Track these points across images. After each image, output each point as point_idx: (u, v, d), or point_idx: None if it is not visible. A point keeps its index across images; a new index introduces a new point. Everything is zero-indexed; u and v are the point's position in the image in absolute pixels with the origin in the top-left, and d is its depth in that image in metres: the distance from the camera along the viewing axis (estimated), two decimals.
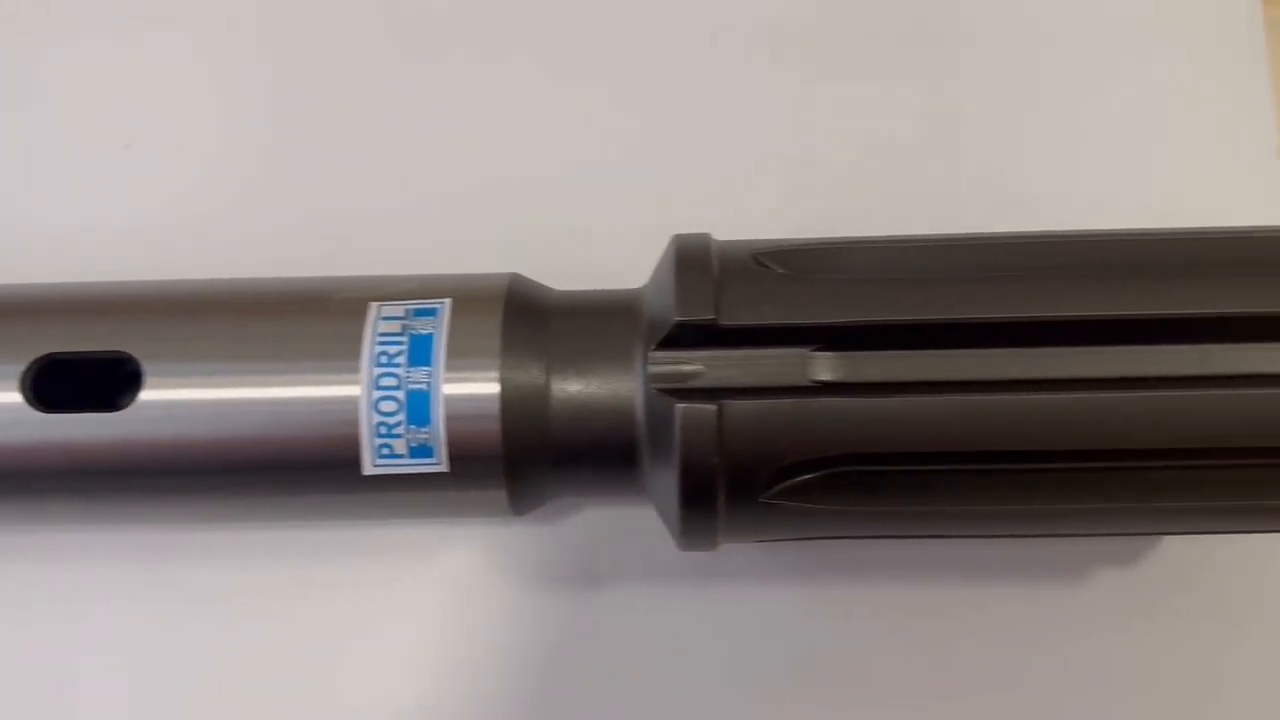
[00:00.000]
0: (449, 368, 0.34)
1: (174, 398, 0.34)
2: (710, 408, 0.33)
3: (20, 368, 0.34)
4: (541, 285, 0.37)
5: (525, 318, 0.35)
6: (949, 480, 0.34)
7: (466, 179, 0.46)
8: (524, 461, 0.35)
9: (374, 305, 0.35)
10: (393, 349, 0.34)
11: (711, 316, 0.33)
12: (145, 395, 0.34)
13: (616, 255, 0.40)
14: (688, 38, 0.47)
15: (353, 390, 0.34)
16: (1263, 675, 0.41)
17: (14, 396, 0.34)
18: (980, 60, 0.46)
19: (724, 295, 0.34)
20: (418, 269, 0.38)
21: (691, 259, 0.35)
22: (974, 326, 0.33)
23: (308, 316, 0.35)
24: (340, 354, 0.34)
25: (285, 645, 0.42)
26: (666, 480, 0.34)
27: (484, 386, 0.34)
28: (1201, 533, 0.40)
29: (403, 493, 0.35)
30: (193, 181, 0.46)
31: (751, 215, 0.44)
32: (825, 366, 0.33)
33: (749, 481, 0.34)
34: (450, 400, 0.34)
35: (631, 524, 0.42)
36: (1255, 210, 0.41)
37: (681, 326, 0.33)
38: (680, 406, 0.33)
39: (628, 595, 0.42)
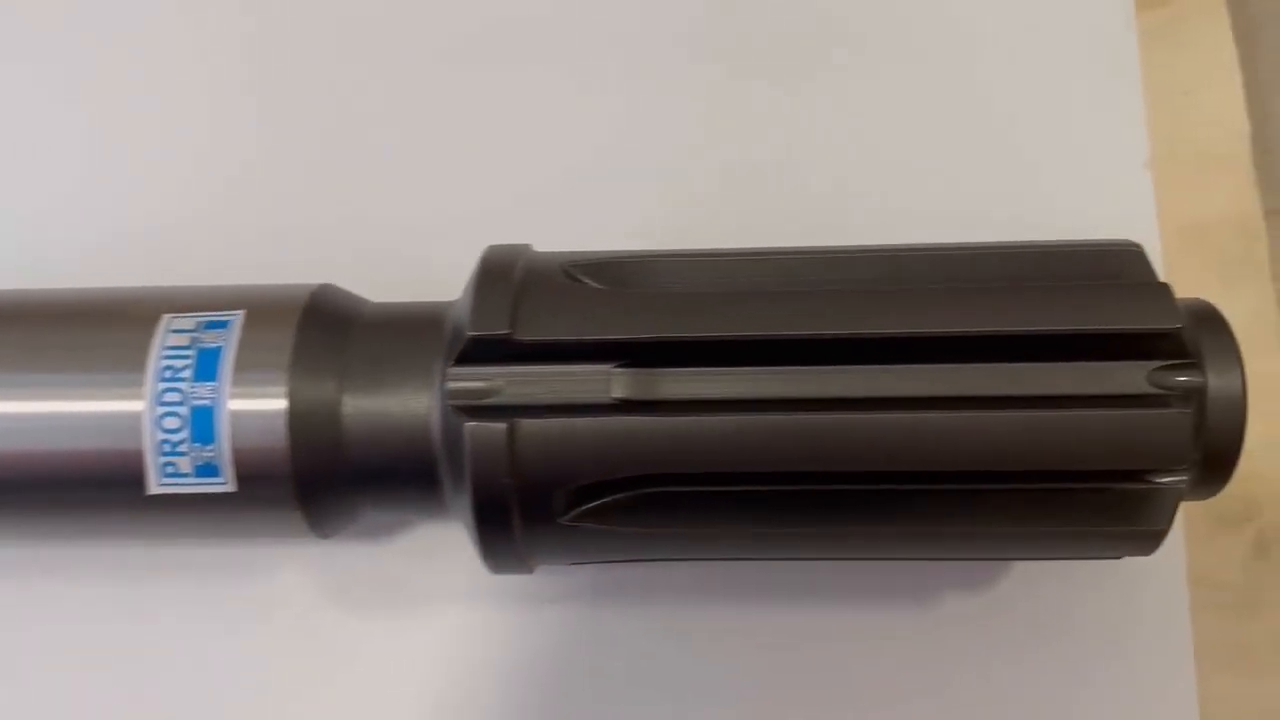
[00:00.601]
0: (236, 382, 0.32)
1: None
2: (500, 426, 0.32)
3: None
4: (354, 297, 0.36)
5: (323, 330, 0.34)
6: (754, 502, 0.33)
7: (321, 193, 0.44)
8: (317, 481, 0.33)
9: (166, 318, 0.34)
10: (179, 363, 0.33)
11: (506, 330, 0.32)
12: None
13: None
14: (554, 48, 0.46)
15: (137, 406, 0.32)
16: (1107, 700, 0.40)
17: None
18: (844, 71, 0.45)
19: (522, 308, 0.32)
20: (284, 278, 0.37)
21: (494, 270, 0.33)
22: (779, 343, 0.32)
23: (98, 328, 0.34)
24: (126, 367, 0.33)
25: (99, 664, 0.40)
26: (463, 502, 0.33)
27: (271, 402, 0.33)
28: (1026, 558, 0.38)
29: (190, 513, 0.33)
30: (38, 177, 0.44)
31: (610, 231, 0.43)
32: (625, 384, 0.32)
33: (545, 503, 0.32)
34: (236, 417, 0.32)
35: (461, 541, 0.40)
36: (1124, 222, 0.40)
37: (476, 341, 0.32)
38: (470, 425, 0.32)
39: (456, 615, 0.40)
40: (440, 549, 0.41)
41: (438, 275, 0.37)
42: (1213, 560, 0.40)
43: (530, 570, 0.35)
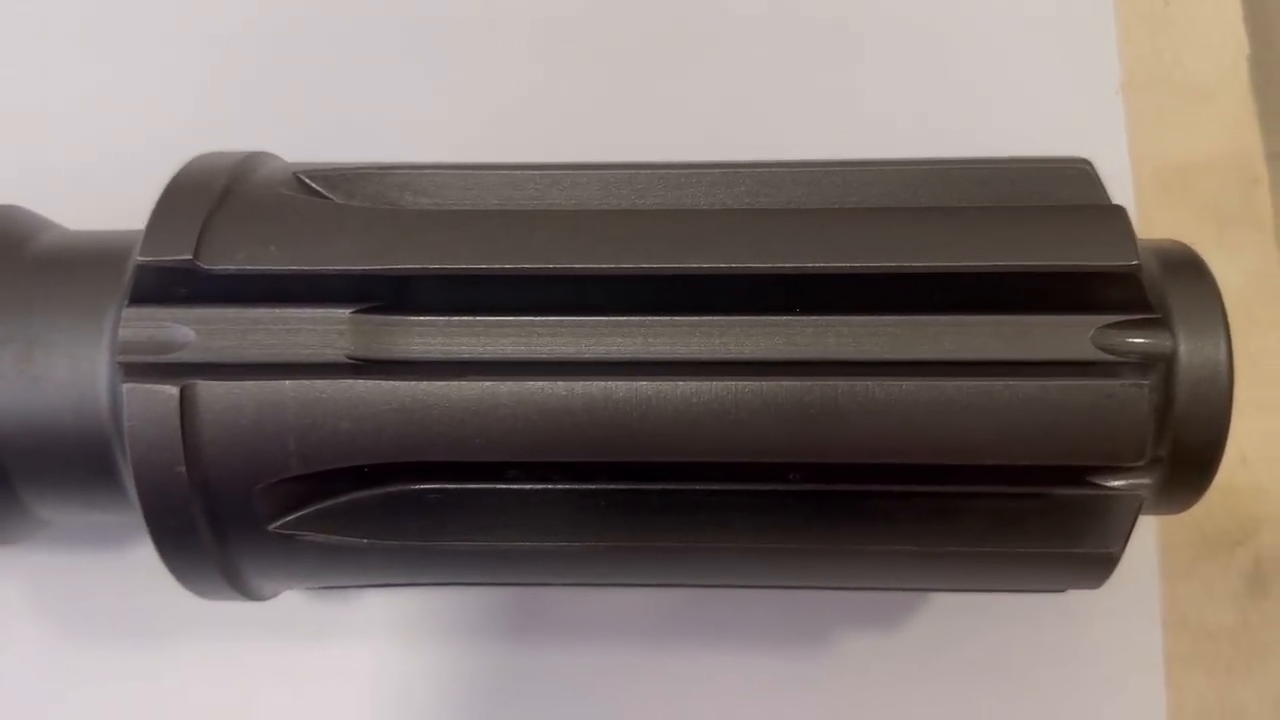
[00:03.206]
0: None
1: None
2: (170, 391, 0.22)
3: None
4: (41, 221, 0.27)
5: None
6: (546, 504, 0.23)
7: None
8: None
9: None
10: None
11: (188, 256, 0.23)
12: None
13: None
14: None
15: None
16: None
17: None
18: None
19: (217, 228, 0.23)
20: None
21: (191, 179, 0.24)
22: (580, 281, 0.23)
23: None
24: None
25: None
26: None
27: None
28: (926, 589, 0.29)
29: None
30: None
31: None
32: (361, 335, 0.23)
33: (243, 502, 0.23)
34: None
35: None
36: (1095, 147, 0.31)
37: (148, 272, 0.23)
38: (129, 388, 0.22)
39: (194, 649, 0.31)
40: None
41: None
42: (1196, 597, 0.31)
43: (258, 597, 0.26)
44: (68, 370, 0.24)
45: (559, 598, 0.32)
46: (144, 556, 0.31)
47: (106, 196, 0.30)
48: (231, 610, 0.31)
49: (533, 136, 0.35)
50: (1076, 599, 0.28)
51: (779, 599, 0.32)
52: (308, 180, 0.25)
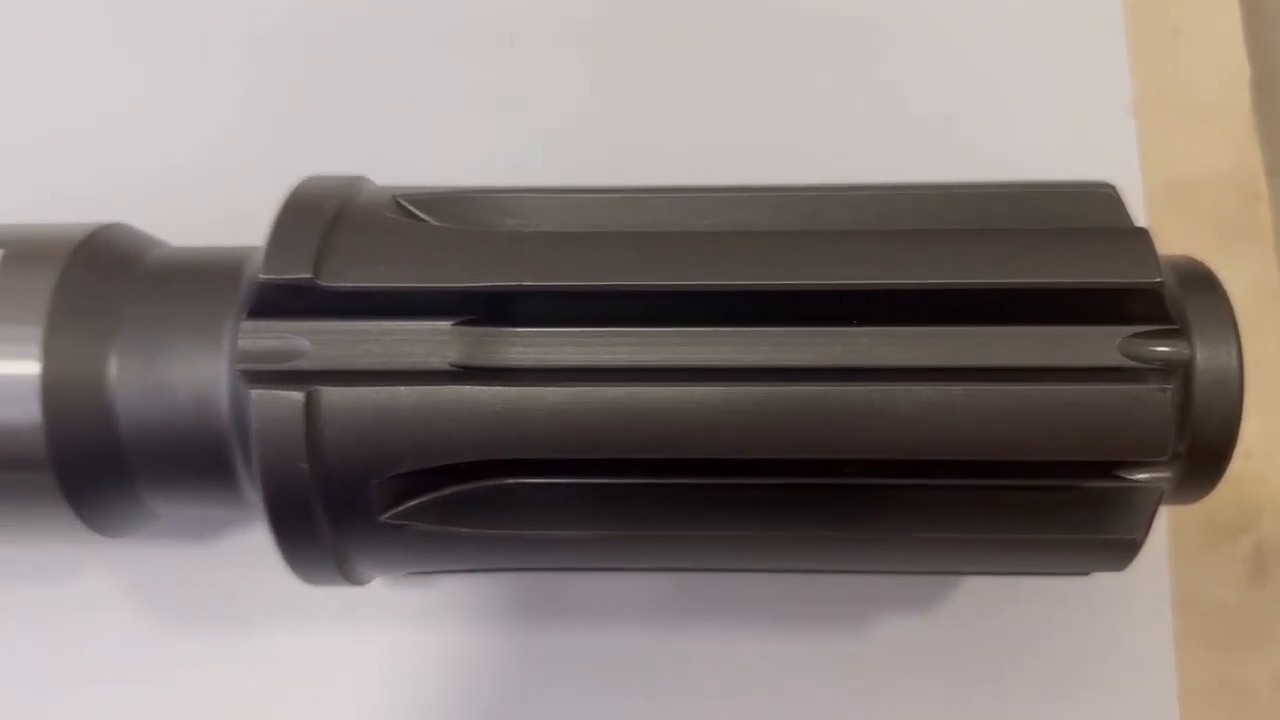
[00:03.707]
0: None
1: None
2: (296, 396, 0.25)
3: None
4: (148, 239, 0.29)
5: (94, 277, 0.27)
6: (630, 497, 0.26)
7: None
8: (82, 465, 0.27)
9: None
10: None
11: (308, 275, 0.25)
12: None
13: None
14: None
15: None
16: None
17: None
18: (818, 11, 0.39)
19: (333, 248, 0.26)
20: None
21: (301, 203, 0.27)
22: (660, 296, 0.25)
23: None
24: None
25: None
26: (258, 492, 0.26)
27: (22, 365, 0.26)
28: (976, 573, 0.31)
29: None
30: None
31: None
32: (464, 345, 0.25)
33: (358, 496, 0.26)
34: None
35: None
36: (1106, 165, 0.34)
37: (271, 288, 0.25)
38: (256, 394, 0.25)
39: (282, 633, 0.33)
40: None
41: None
42: (1202, 580, 0.33)
43: (358, 582, 0.28)
44: (187, 377, 0.27)
45: (591, 583, 0.34)
46: (232, 547, 0.34)
47: (158, 207, 0.33)
48: (312, 596, 0.33)
49: (577, 146, 0.38)
50: (1095, 581, 0.31)
51: (808, 582, 0.34)
52: (406, 204, 0.27)
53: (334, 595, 0.33)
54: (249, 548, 0.34)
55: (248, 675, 0.34)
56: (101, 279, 0.27)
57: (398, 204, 0.27)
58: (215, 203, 0.33)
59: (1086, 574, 0.29)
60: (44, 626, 0.34)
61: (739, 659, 0.34)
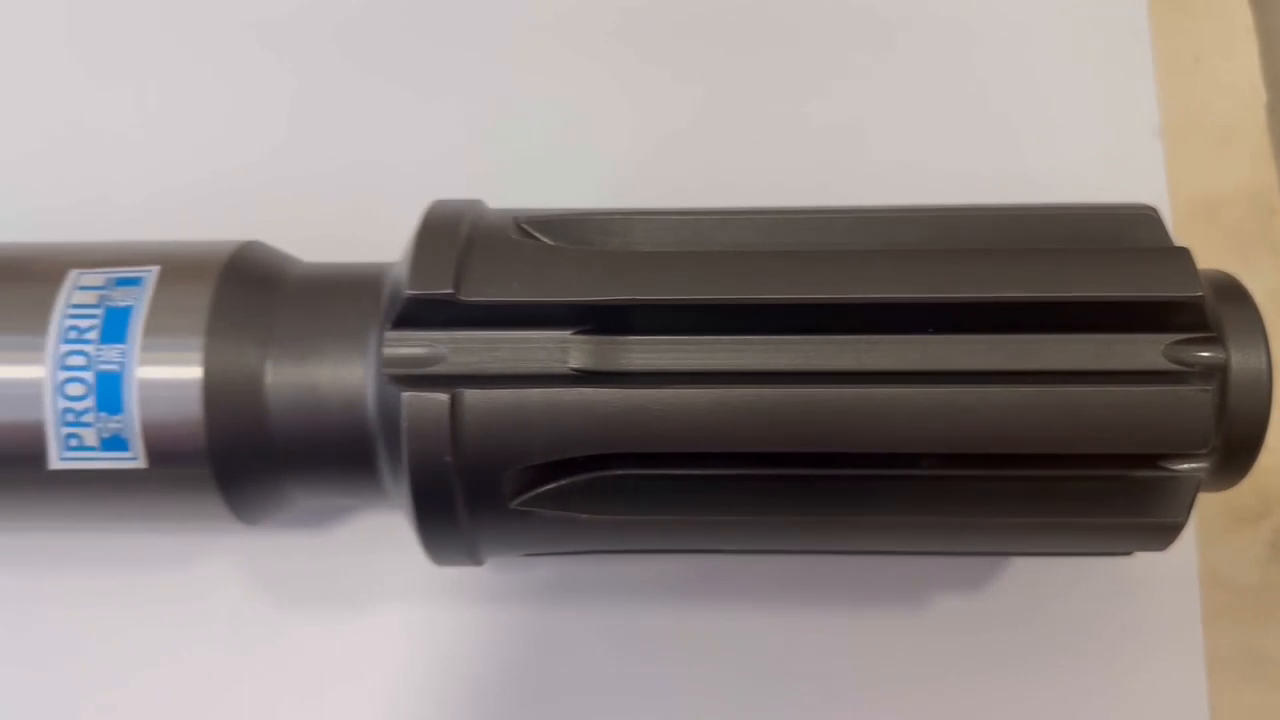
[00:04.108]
0: (147, 346, 0.29)
1: None
2: (442, 398, 0.28)
3: None
4: (285, 256, 0.33)
5: (246, 290, 0.30)
6: (728, 487, 0.29)
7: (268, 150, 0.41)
8: (237, 459, 0.30)
9: (73, 273, 0.30)
10: (84, 323, 0.29)
11: (450, 290, 0.28)
12: None
13: None
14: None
15: (37, 371, 0.29)
16: (1111, 713, 0.37)
17: None
18: (849, 33, 0.42)
19: (469, 266, 0.29)
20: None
21: (438, 224, 0.30)
22: (758, 309, 0.29)
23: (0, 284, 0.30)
24: (27, 328, 0.29)
25: (18, 654, 0.37)
26: (401, 483, 0.29)
27: (185, 370, 0.29)
28: (1030, 554, 0.35)
29: (98, 491, 0.30)
30: None
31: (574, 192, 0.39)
32: (585, 352, 0.29)
33: (493, 485, 0.29)
34: (146, 384, 0.29)
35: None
36: (1132, 191, 0.37)
37: (416, 302, 0.29)
38: (408, 396, 0.28)
39: (399, 613, 0.37)
40: (384, 539, 0.37)
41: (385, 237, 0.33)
42: (1227, 560, 0.37)
43: (479, 563, 0.32)
44: (336, 380, 0.30)
45: (658, 563, 0.38)
46: (345, 535, 0.38)
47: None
48: (413, 577, 0.37)
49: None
50: (1129, 562, 0.34)
51: (862, 563, 0.38)
52: (526, 226, 0.31)
53: (439, 576, 0.36)
54: (353, 534, 0.38)
55: (348, 649, 0.37)
56: (251, 292, 0.30)
57: (519, 226, 0.31)
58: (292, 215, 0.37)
59: (1129, 554, 0.32)
60: (171, 608, 0.37)
61: (798, 634, 0.37)
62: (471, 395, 0.28)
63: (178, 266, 0.30)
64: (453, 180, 0.34)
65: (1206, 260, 0.38)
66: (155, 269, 0.30)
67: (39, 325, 0.29)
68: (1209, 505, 0.37)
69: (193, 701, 0.36)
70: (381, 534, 0.38)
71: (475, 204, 0.32)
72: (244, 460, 0.30)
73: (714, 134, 0.42)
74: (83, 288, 0.30)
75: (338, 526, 0.38)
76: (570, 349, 0.29)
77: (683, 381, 0.29)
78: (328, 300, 0.30)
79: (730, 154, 0.42)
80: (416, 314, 0.29)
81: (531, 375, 0.28)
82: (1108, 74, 0.41)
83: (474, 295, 0.29)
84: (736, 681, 0.37)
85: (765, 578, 0.38)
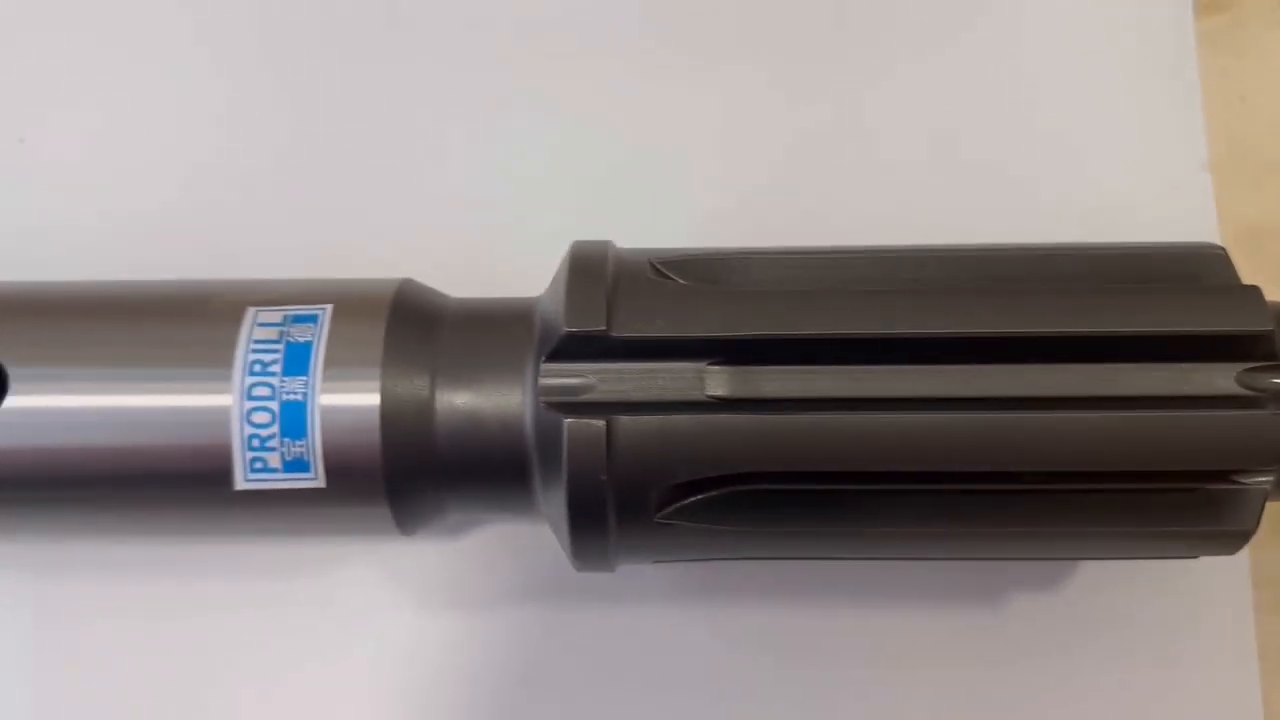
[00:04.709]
0: (327, 377, 0.32)
1: (41, 405, 0.33)
2: (599, 423, 0.31)
3: None
4: (436, 292, 0.36)
5: (412, 325, 0.34)
6: (848, 501, 0.33)
7: (385, 185, 0.44)
8: (407, 477, 0.33)
9: (251, 310, 0.33)
10: (268, 357, 0.32)
11: (603, 328, 0.32)
12: (10, 402, 0.32)
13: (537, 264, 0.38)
14: (604, 44, 0.46)
15: (225, 400, 0.32)
16: (1169, 703, 0.40)
17: None
18: (904, 72, 0.45)
19: (617, 305, 0.32)
20: (323, 274, 0.37)
21: (585, 267, 0.33)
22: (877, 342, 0.32)
23: (183, 321, 0.34)
24: (213, 361, 0.32)
25: (166, 663, 0.40)
26: (556, 499, 0.33)
27: (363, 398, 0.32)
28: (1111, 558, 0.38)
29: (278, 509, 0.33)
30: (89, 181, 0.44)
31: (665, 225, 0.43)
32: (722, 381, 0.32)
33: (641, 501, 0.32)
34: (327, 412, 0.32)
35: (534, 540, 0.40)
36: (1183, 225, 0.41)
37: (571, 338, 0.32)
38: (569, 422, 0.31)
39: (528, 616, 0.40)
40: (502, 546, 0.41)
41: (497, 272, 0.38)
42: (1277, 562, 0.40)
43: (612, 569, 0.35)
44: (496, 406, 0.33)
45: (760, 568, 0.41)
46: (477, 542, 0.41)
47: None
48: (549, 579, 0.40)
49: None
50: (1191, 566, 0.38)
51: (940, 566, 0.41)
52: (659, 266, 0.34)
53: (563, 579, 0.40)
54: (481, 544, 0.41)
55: (480, 645, 0.40)
56: (416, 327, 0.34)
57: (653, 266, 0.34)
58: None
59: (1196, 558, 0.36)
60: (329, 609, 0.40)
61: (884, 632, 0.41)
62: (622, 421, 0.32)
63: (347, 304, 0.33)
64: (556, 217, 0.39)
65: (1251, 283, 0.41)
66: (329, 307, 0.33)
67: (225, 359, 0.32)
68: None
69: (340, 701, 0.39)
70: (500, 541, 0.41)
71: (609, 245, 0.35)
72: (413, 478, 0.33)
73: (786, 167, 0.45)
74: (263, 324, 0.33)
75: (465, 535, 0.41)
76: (707, 378, 0.32)
77: (806, 407, 0.32)
78: (485, 333, 0.34)
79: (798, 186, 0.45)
80: (571, 348, 0.32)
81: (674, 402, 0.32)
82: (1159, 114, 0.44)
83: (622, 331, 0.32)
84: (827, 675, 0.40)
85: (853, 579, 0.41)
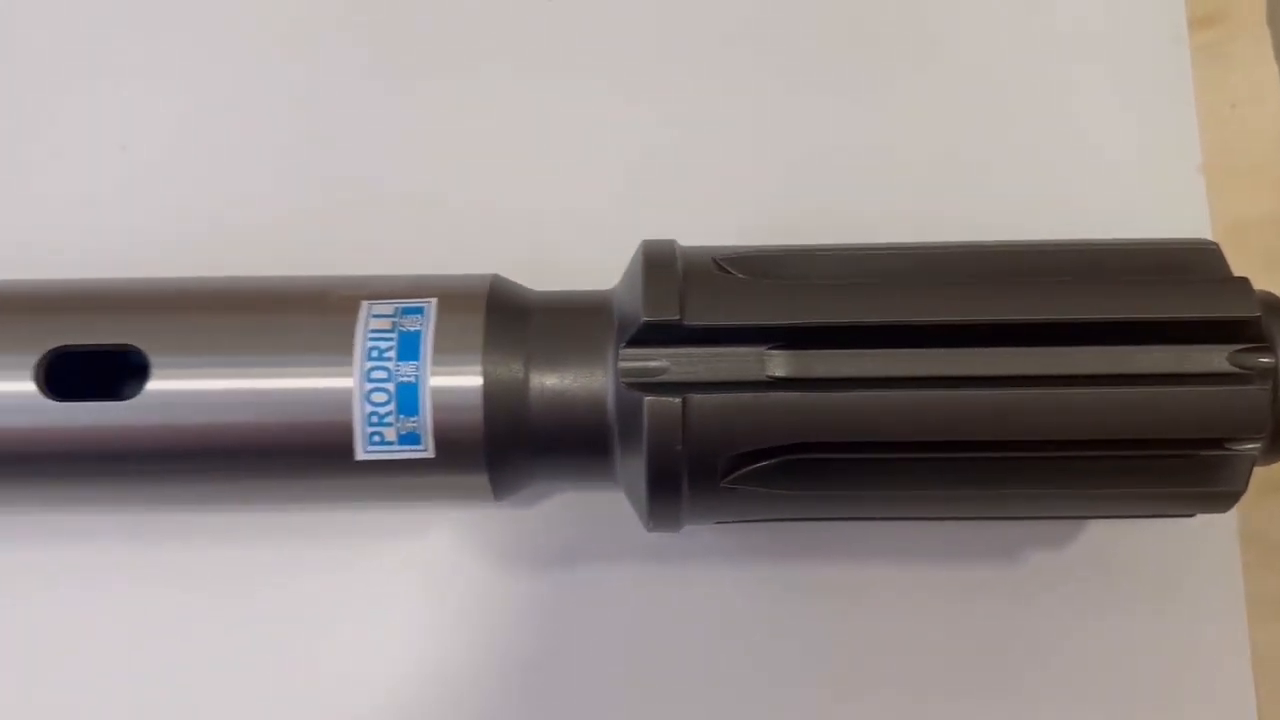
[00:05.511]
0: (436, 362, 0.37)
1: (180, 388, 0.37)
2: (675, 401, 0.36)
3: (34, 359, 0.37)
4: (520, 285, 0.40)
5: (506, 316, 0.38)
6: (887, 467, 0.37)
7: (444, 185, 0.49)
8: (504, 449, 0.38)
9: (365, 304, 0.38)
10: (383, 344, 0.37)
11: (677, 317, 0.36)
12: (152, 385, 0.37)
13: (580, 258, 0.44)
14: (663, 47, 0.50)
15: (346, 382, 0.37)
16: (1165, 646, 0.45)
17: (28, 385, 0.37)
18: (915, 81, 0.50)
19: (688, 298, 0.37)
20: (402, 269, 0.41)
21: (659, 264, 0.38)
22: (913, 328, 0.37)
23: (304, 313, 0.38)
24: (335, 348, 0.37)
25: (267, 625, 0.44)
26: (635, 467, 0.37)
27: (468, 379, 0.37)
28: (1117, 516, 0.43)
29: (391, 477, 0.38)
30: (190, 183, 0.48)
31: (706, 218, 0.47)
32: (780, 363, 0.37)
33: (710, 468, 0.37)
34: (437, 392, 0.37)
35: (596, 508, 0.45)
36: (1179, 221, 0.46)
37: (649, 326, 0.36)
38: (649, 400, 0.36)
39: (598, 575, 0.45)
40: (570, 513, 0.45)
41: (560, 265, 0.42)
42: (1263, 521, 0.45)
43: (679, 529, 0.40)
44: (582, 387, 0.38)
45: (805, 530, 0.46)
46: (547, 509, 0.46)
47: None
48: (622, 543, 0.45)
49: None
50: (1182, 523, 0.43)
51: (963, 525, 0.46)
52: (722, 262, 0.39)
53: (634, 542, 0.45)
54: (554, 509, 0.46)
55: (557, 607, 0.45)
56: (511, 317, 0.38)
57: (715, 262, 0.39)
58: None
59: (1192, 515, 0.41)
60: (409, 573, 0.45)
61: (910, 586, 0.45)
62: (694, 399, 0.36)
63: (449, 297, 0.38)
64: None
65: (1240, 272, 0.46)
66: (434, 300, 0.38)
67: (345, 346, 0.37)
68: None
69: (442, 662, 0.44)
70: (567, 508, 0.46)
71: (674, 243, 0.40)
72: (509, 450, 0.38)
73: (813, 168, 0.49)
74: (377, 315, 0.38)
75: (542, 501, 0.46)
76: (766, 361, 0.37)
77: (853, 385, 0.37)
78: (569, 322, 0.38)
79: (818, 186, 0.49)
80: (648, 335, 0.37)
81: (739, 382, 0.36)
82: (1157, 120, 0.49)
83: (693, 320, 0.37)
84: (854, 623, 0.45)
85: (871, 539, 0.46)
